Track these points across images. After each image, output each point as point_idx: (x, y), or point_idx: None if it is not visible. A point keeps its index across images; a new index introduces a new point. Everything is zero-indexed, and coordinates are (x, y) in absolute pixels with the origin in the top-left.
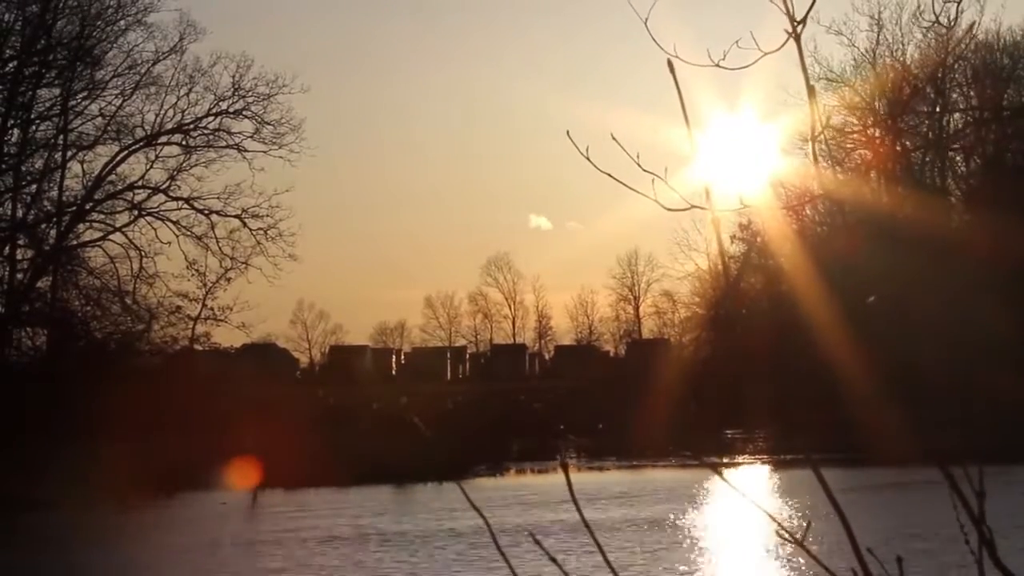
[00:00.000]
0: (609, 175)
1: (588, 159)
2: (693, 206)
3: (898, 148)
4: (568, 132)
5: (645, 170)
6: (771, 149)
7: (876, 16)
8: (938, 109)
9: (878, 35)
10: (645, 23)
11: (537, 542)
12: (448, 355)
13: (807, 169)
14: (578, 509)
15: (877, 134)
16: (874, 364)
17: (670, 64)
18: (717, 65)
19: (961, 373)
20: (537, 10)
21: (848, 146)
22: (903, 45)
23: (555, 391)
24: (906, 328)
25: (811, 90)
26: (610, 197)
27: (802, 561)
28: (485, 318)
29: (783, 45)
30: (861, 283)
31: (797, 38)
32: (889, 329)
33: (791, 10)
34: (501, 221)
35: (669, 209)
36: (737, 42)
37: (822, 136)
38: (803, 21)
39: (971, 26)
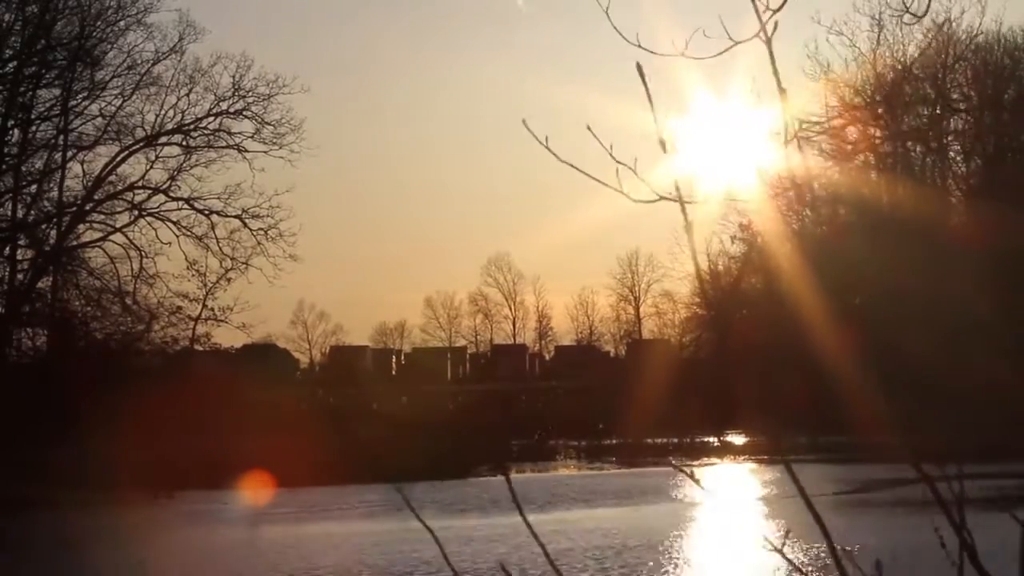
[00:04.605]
0: (571, 165)
1: (548, 149)
2: (662, 197)
3: (898, 148)
4: (524, 120)
5: (617, 161)
6: (758, 138)
7: (877, 16)
8: (938, 109)
9: (879, 35)
10: (606, 12)
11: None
12: (448, 355)
13: (795, 159)
14: (523, 516)
15: (877, 133)
16: (871, 360)
17: (639, 67)
18: (682, 55)
19: (958, 367)
20: (536, 8)
21: (850, 147)
22: (903, 45)
23: (555, 391)
24: (903, 323)
25: (804, 89)
26: (612, 195)
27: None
28: (485, 318)
29: (755, 35)
30: (858, 279)
31: (768, 40)
32: (886, 325)
33: (764, 5)
34: (501, 221)
35: (636, 200)
36: (703, 30)
37: (801, 131)
38: (777, 11)
39: (944, 23)
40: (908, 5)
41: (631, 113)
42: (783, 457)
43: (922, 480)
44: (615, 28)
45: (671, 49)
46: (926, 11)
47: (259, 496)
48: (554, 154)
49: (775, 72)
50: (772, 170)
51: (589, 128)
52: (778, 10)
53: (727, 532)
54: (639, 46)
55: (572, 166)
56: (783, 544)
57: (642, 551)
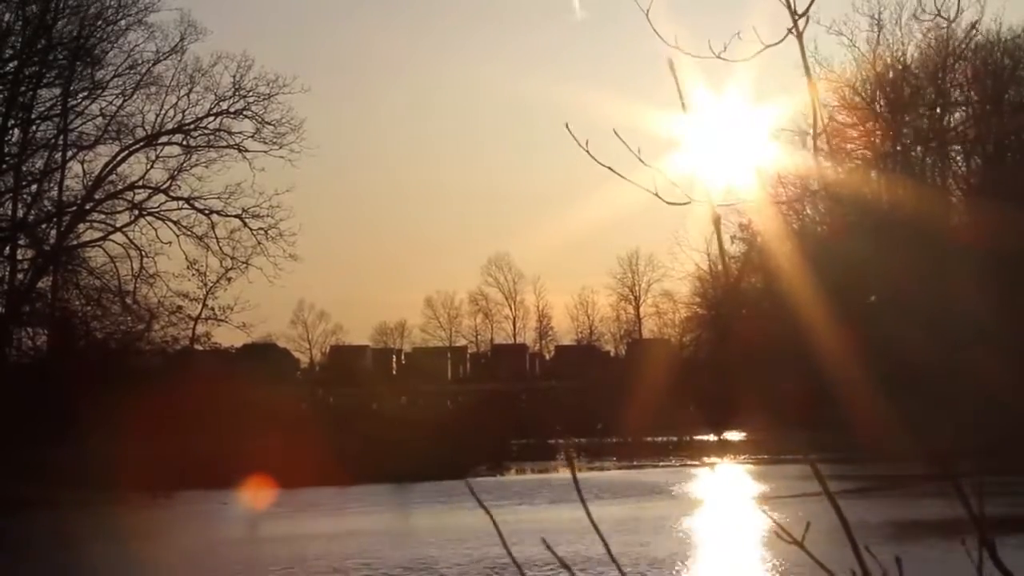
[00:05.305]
0: (610, 169)
1: (589, 153)
2: (693, 200)
3: (898, 148)
4: (568, 124)
5: (647, 165)
6: (762, 136)
7: (876, 16)
8: (939, 109)
9: (878, 35)
10: (647, 14)
11: (548, 548)
12: (449, 355)
13: (799, 156)
14: (584, 506)
15: (877, 133)
16: (871, 360)
17: (671, 63)
18: (719, 57)
19: (958, 367)
20: (534, 8)
21: (850, 146)
22: (903, 45)
23: (555, 391)
24: (903, 323)
25: (812, 86)
26: (612, 195)
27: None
28: (486, 318)
29: (783, 39)
30: (860, 280)
31: (799, 35)
32: (887, 325)
33: (792, 4)
34: (501, 221)
35: (670, 203)
36: (739, 34)
37: (822, 132)
38: (804, 14)
39: (973, 24)
40: (940, 8)
41: (630, 111)
42: (806, 457)
43: (941, 476)
44: (656, 32)
45: (686, 52)
46: (956, 18)
47: (259, 496)
48: (594, 158)
49: (806, 67)
50: (772, 169)
51: (616, 132)
52: (805, 11)
53: (732, 530)
54: (676, 47)
55: (611, 170)
56: (802, 538)
57: (661, 549)
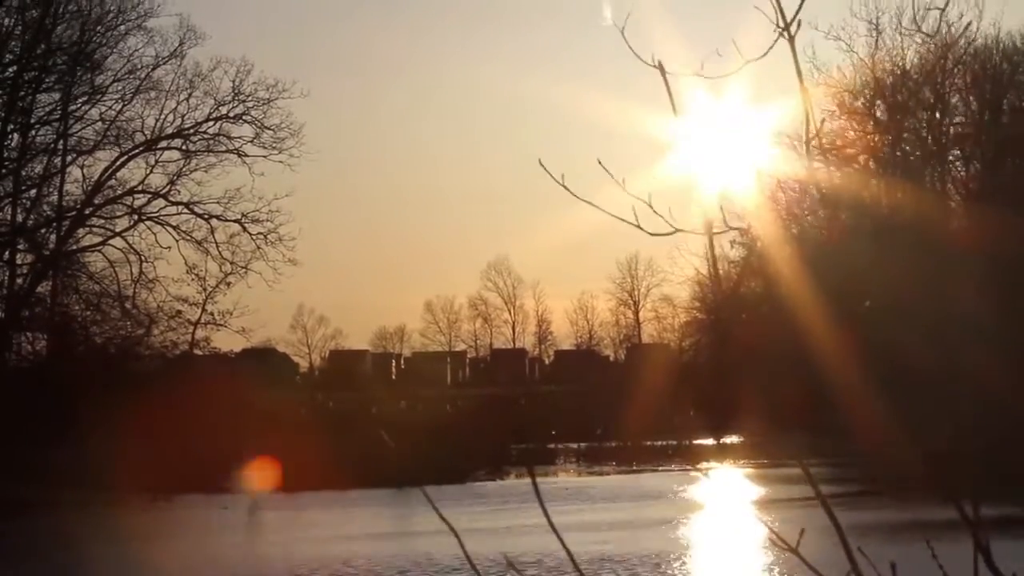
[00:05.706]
0: (589, 203)
1: (565, 187)
2: (677, 230)
3: (897, 153)
4: (540, 160)
5: (634, 196)
6: (759, 139)
7: (874, 21)
8: (938, 114)
9: (876, 40)
10: (622, 32)
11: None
12: (448, 360)
13: (796, 160)
14: (546, 515)
15: (876, 138)
16: (870, 364)
17: (660, 67)
18: (698, 75)
19: (957, 371)
20: (534, 8)
21: (849, 151)
22: (903, 50)
23: (555, 395)
24: (903, 327)
25: (804, 91)
26: (611, 199)
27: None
28: (485, 322)
29: (767, 51)
30: (859, 284)
31: (791, 39)
32: (886, 329)
33: (779, 15)
34: (500, 224)
35: (652, 234)
36: (717, 50)
37: (815, 137)
38: (791, 23)
39: (966, 27)
40: (920, 24)
41: (628, 112)
42: (799, 460)
43: (936, 480)
44: (631, 50)
45: (679, 63)
46: (937, 30)
47: (259, 499)
48: (571, 192)
49: (798, 71)
50: (772, 172)
51: (600, 162)
52: (795, 17)
53: (731, 533)
54: (658, 67)
55: (591, 204)
56: (797, 544)
57: (659, 551)
